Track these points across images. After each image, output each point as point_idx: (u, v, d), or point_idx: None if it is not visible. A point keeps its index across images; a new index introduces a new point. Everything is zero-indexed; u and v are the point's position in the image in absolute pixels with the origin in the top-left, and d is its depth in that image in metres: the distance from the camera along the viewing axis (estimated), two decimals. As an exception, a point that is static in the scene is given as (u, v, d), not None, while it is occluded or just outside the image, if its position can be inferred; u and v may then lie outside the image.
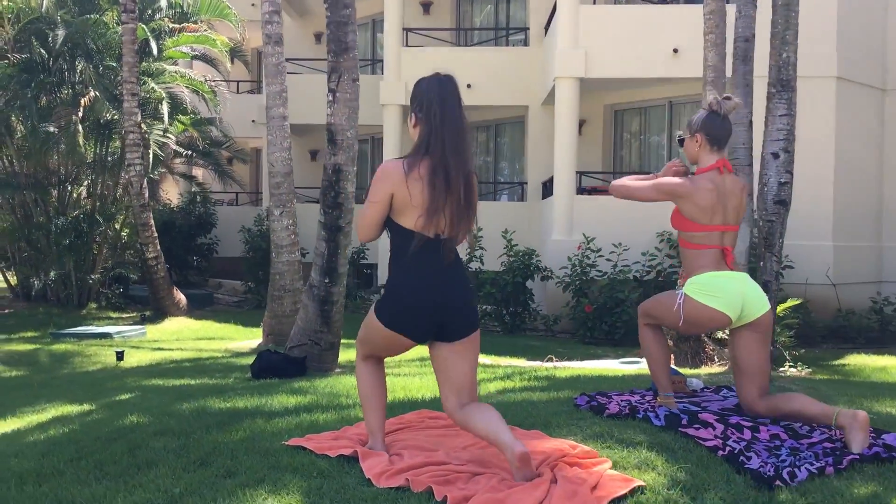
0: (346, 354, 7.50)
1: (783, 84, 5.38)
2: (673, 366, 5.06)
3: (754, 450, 3.27)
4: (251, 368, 6.50)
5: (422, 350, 3.36)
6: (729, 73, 7.85)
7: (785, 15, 5.42)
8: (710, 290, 3.70)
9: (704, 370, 7.45)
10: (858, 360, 9.58)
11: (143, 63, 13.81)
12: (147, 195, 13.23)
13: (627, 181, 3.96)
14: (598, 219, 12.27)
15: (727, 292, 3.68)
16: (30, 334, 11.39)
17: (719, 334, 8.01)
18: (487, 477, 3.02)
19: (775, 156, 5.38)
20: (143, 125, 13.29)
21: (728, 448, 3.26)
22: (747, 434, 3.48)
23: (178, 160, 16.98)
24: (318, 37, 19.08)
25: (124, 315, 13.69)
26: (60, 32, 12.97)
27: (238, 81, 20.13)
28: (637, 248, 11.82)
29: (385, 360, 3.49)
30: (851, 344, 11.19)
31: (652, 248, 11.87)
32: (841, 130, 12.21)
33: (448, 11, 17.21)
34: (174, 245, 16.44)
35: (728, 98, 3.87)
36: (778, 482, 2.93)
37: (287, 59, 10.44)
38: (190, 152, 16.30)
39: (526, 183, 15.60)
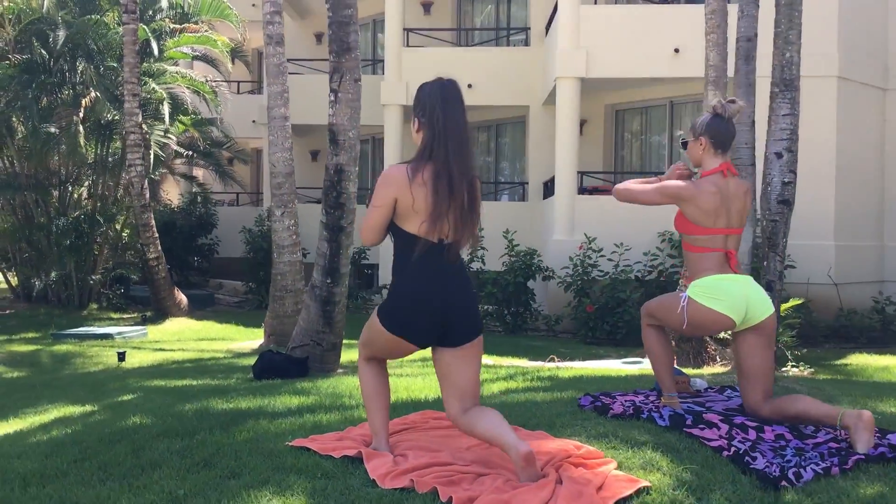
0: (348, 355, 7.50)
1: (786, 83, 5.37)
2: (676, 366, 5.05)
3: (759, 450, 3.26)
4: (253, 369, 6.50)
5: (424, 350, 3.36)
6: (730, 72, 7.85)
7: (788, 14, 5.41)
8: (714, 293, 3.69)
9: (706, 370, 7.45)
10: (860, 360, 9.57)
11: (144, 63, 13.81)
12: (148, 196, 13.23)
13: (631, 185, 3.96)
14: (600, 219, 12.26)
15: (731, 295, 3.68)
16: (31, 335, 11.39)
17: (721, 334, 8.01)
18: (492, 478, 3.01)
19: (779, 155, 5.37)
20: (144, 126, 13.29)
21: (733, 448, 3.26)
22: (752, 434, 3.48)
23: (178, 161, 16.97)
24: (318, 37, 19.07)
25: (125, 316, 13.68)
26: (61, 33, 12.97)
27: (239, 82, 20.13)
28: (638, 248, 11.82)
29: (387, 360, 3.49)
30: (853, 344, 11.18)
31: (653, 248, 11.86)
32: (842, 130, 12.20)
33: (449, 11, 17.20)
34: (175, 245, 16.43)
35: (732, 101, 3.86)
36: (784, 483, 2.93)
37: (288, 60, 10.43)
38: (191, 153, 16.30)
39: (527, 183, 15.60)
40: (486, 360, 7.60)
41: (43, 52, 13.68)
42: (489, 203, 15.60)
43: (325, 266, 6.85)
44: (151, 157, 13.75)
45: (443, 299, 3.16)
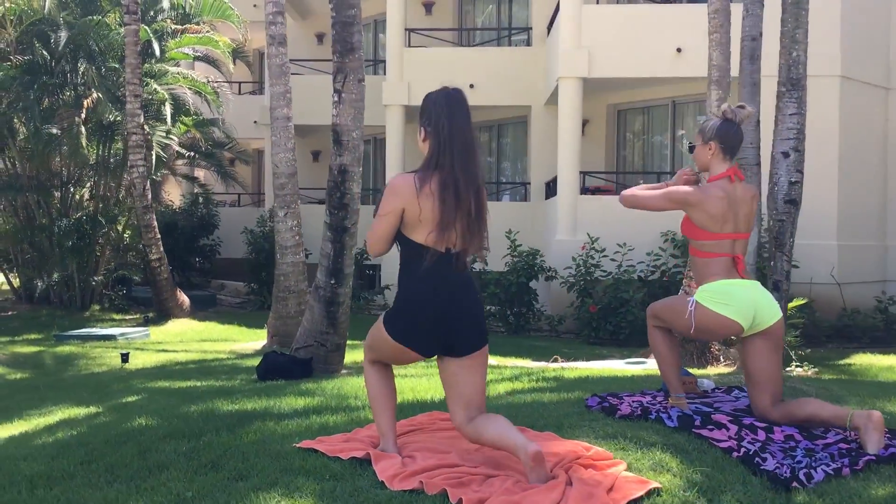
0: (352, 355, 7.49)
1: (793, 83, 5.36)
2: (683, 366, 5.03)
3: (769, 451, 3.25)
4: (257, 370, 6.48)
5: (429, 356, 3.35)
6: (734, 72, 7.83)
7: (795, 13, 5.40)
8: (721, 297, 3.68)
9: (711, 370, 7.43)
10: (864, 360, 9.55)
11: (146, 64, 13.80)
12: (150, 197, 13.22)
13: (637, 191, 3.95)
14: (602, 219, 12.24)
15: (739, 300, 3.66)
16: (33, 336, 11.38)
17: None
18: (502, 479, 3.00)
19: (786, 155, 5.36)
20: (145, 126, 13.28)
21: (743, 449, 3.25)
22: (761, 435, 3.46)
23: (180, 161, 16.97)
24: (319, 37, 19.07)
25: (127, 317, 13.67)
26: (63, 34, 12.96)
27: (240, 82, 20.12)
28: (641, 248, 11.80)
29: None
30: (856, 343, 11.16)
31: (656, 248, 11.85)
32: (845, 129, 12.19)
33: (450, 11, 17.19)
34: (176, 246, 16.43)
35: (742, 106, 3.87)
36: (795, 484, 2.92)
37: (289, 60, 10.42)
38: (192, 153, 16.29)
39: (529, 183, 15.58)
40: (490, 360, 7.57)
41: (44, 53, 13.68)
42: (491, 203, 15.31)
43: (329, 267, 6.84)
44: (153, 157, 13.74)
45: (449, 309, 3.15)
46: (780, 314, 3.76)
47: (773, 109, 5.89)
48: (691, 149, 3.91)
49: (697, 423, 3.61)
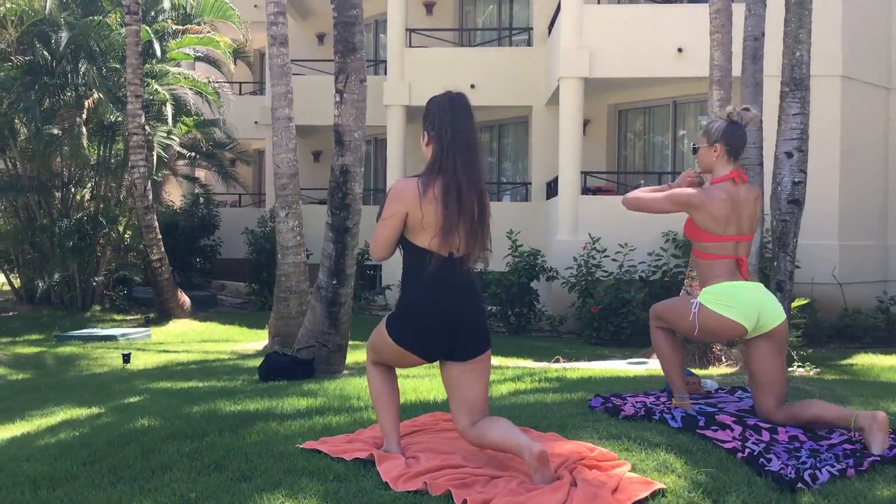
0: (354, 356, 7.48)
1: (796, 83, 5.35)
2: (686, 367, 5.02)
3: (774, 451, 3.24)
4: (259, 370, 6.47)
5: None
6: (735, 72, 7.82)
7: (798, 13, 5.39)
8: (725, 299, 3.67)
9: (713, 370, 7.42)
10: (866, 360, 9.54)
11: (147, 65, 13.80)
12: (151, 197, 13.22)
13: (640, 193, 3.95)
14: (603, 219, 12.24)
15: (743, 302, 3.66)
16: (34, 337, 11.38)
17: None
18: (506, 480, 2.99)
19: (789, 155, 5.35)
20: (146, 127, 13.28)
21: (747, 450, 3.24)
22: (765, 436, 3.46)
23: (181, 162, 16.96)
24: (320, 38, 19.07)
25: (128, 317, 13.67)
26: (64, 34, 12.96)
27: (241, 83, 20.12)
28: (643, 249, 11.80)
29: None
30: (858, 343, 11.15)
31: (658, 249, 11.84)
32: (846, 129, 12.19)
33: (451, 12, 17.19)
34: (177, 247, 16.43)
35: (747, 109, 3.87)
36: (800, 484, 2.91)
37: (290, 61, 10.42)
38: (193, 154, 16.29)
39: (530, 183, 15.58)
40: (492, 360, 7.57)
41: (45, 53, 13.67)
42: (492, 203, 15.32)
43: (331, 267, 6.83)
44: (154, 158, 13.73)
45: (452, 314, 3.16)
46: (783, 316, 3.75)
47: (775, 109, 5.89)
48: (695, 150, 3.90)
49: (701, 423, 3.60)
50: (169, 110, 13.79)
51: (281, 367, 6.38)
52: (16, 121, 13.84)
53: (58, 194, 14.40)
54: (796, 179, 5.36)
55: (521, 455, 2.99)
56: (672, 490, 2.89)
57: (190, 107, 14.88)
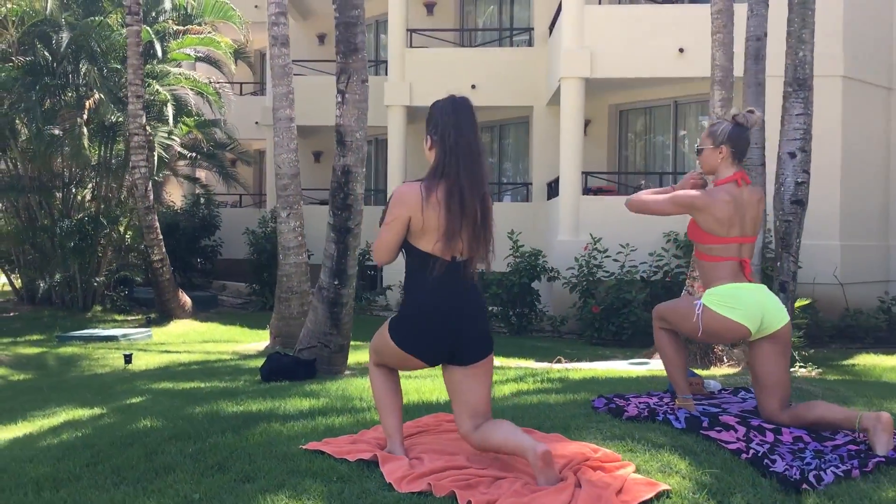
0: (356, 356, 7.48)
1: (799, 83, 5.35)
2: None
3: (778, 452, 3.24)
4: (261, 371, 6.47)
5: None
6: (736, 72, 7.82)
7: (801, 13, 5.38)
8: (729, 301, 3.67)
9: (714, 371, 7.42)
10: (868, 360, 9.54)
11: (148, 65, 13.80)
12: (152, 197, 13.21)
13: (643, 195, 3.95)
14: (604, 219, 12.23)
15: (747, 304, 3.66)
16: (35, 337, 11.37)
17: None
18: (510, 481, 2.98)
19: (792, 155, 5.34)
20: (147, 127, 13.27)
21: (752, 451, 3.23)
22: (770, 437, 3.45)
23: (182, 162, 16.95)
24: (320, 38, 19.07)
25: (129, 318, 13.66)
26: (65, 35, 12.95)
27: (241, 83, 20.12)
28: (644, 249, 11.79)
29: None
30: (859, 344, 11.14)
31: (659, 249, 11.84)
32: (847, 129, 12.18)
33: (451, 12, 17.19)
34: (178, 247, 16.43)
35: (751, 111, 3.88)
36: (805, 486, 2.90)
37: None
38: (194, 154, 16.28)
39: (531, 183, 15.57)
40: (493, 361, 7.56)
41: (46, 53, 13.67)
42: (493, 203, 15.53)
43: (333, 268, 6.83)
44: (155, 158, 13.72)
45: (454, 319, 3.16)
46: (787, 318, 3.75)
47: (777, 109, 5.88)
48: (699, 151, 3.90)
49: (705, 424, 3.59)
50: (170, 111, 13.79)
51: (283, 368, 6.38)
52: (17, 121, 13.84)
53: (59, 195, 14.40)
54: (799, 180, 5.36)
55: (525, 456, 2.99)
56: (676, 491, 2.88)
57: (191, 107, 14.88)
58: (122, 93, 13.48)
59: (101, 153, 14.29)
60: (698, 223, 3.78)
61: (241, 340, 10.90)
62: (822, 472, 3.01)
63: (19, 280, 15.14)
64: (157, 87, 13.93)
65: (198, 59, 16.11)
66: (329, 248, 6.85)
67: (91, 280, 14.09)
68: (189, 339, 11.37)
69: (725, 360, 8.08)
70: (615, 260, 11.79)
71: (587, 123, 14.02)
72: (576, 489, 2.87)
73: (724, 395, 4.37)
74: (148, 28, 13.54)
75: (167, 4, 14.68)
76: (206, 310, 14.59)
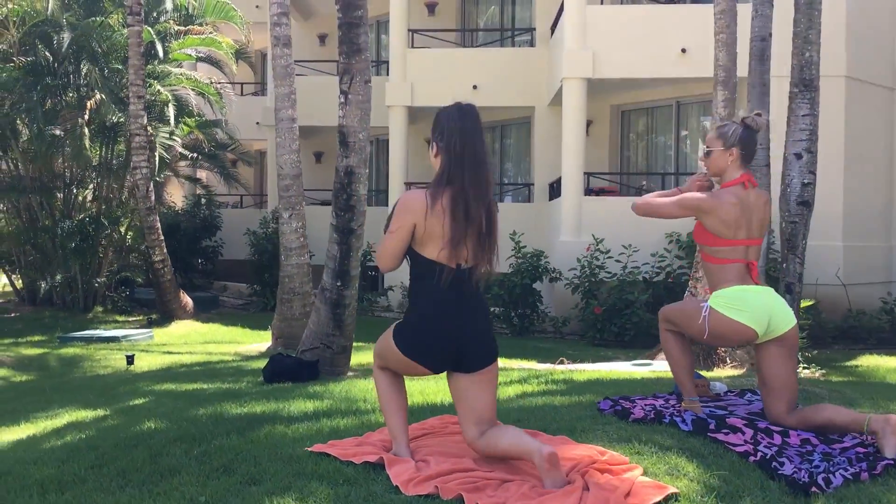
0: (358, 357, 7.46)
1: (806, 84, 5.33)
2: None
3: (786, 455, 3.22)
4: (264, 372, 6.46)
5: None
6: (740, 72, 7.80)
7: (808, 14, 5.36)
8: (736, 304, 3.66)
9: (718, 372, 7.40)
10: (871, 361, 9.52)
11: (149, 65, 13.79)
12: (153, 198, 13.20)
13: (650, 199, 3.94)
14: (606, 220, 12.21)
15: (754, 307, 3.64)
16: (37, 338, 11.36)
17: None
18: (517, 484, 2.97)
19: (798, 156, 5.33)
20: (148, 128, 13.27)
21: (759, 454, 3.22)
22: (777, 439, 3.43)
23: (183, 163, 16.95)
24: (322, 38, 19.05)
25: (130, 318, 13.66)
26: (66, 35, 12.95)
27: (242, 83, 20.10)
28: (646, 250, 11.77)
29: None
30: (862, 344, 11.13)
31: (661, 250, 11.82)
32: (850, 130, 12.16)
33: (453, 12, 17.17)
34: (179, 248, 16.41)
35: (759, 114, 3.88)
36: (814, 488, 2.89)
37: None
38: (195, 155, 16.28)
39: (532, 184, 15.55)
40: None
41: (47, 54, 13.67)
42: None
43: (336, 269, 6.82)
44: (156, 159, 13.72)
45: (459, 326, 3.16)
46: (794, 320, 3.74)
47: (781, 110, 5.86)
48: (708, 154, 3.87)
49: (712, 426, 3.58)
50: (171, 111, 13.79)
51: (286, 369, 6.37)
52: (18, 122, 13.84)
53: (60, 195, 14.40)
54: (805, 181, 5.34)
55: (531, 459, 2.98)
56: (685, 494, 2.87)
57: (192, 107, 14.88)
58: (124, 93, 13.47)
59: (103, 154, 14.28)
60: (705, 225, 3.77)
61: (242, 341, 10.89)
62: (830, 475, 2.99)
63: (20, 281, 15.14)
64: (158, 87, 13.92)
65: (199, 59, 16.11)
66: (332, 249, 6.84)
67: (92, 281, 14.08)
68: (190, 339, 11.35)
69: (729, 362, 8.06)
70: (617, 261, 11.77)
71: (589, 124, 14.00)
72: (583, 492, 2.85)
73: (729, 397, 4.36)
74: (149, 28, 13.54)
75: (168, 5, 14.68)
76: (207, 310, 14.58)
